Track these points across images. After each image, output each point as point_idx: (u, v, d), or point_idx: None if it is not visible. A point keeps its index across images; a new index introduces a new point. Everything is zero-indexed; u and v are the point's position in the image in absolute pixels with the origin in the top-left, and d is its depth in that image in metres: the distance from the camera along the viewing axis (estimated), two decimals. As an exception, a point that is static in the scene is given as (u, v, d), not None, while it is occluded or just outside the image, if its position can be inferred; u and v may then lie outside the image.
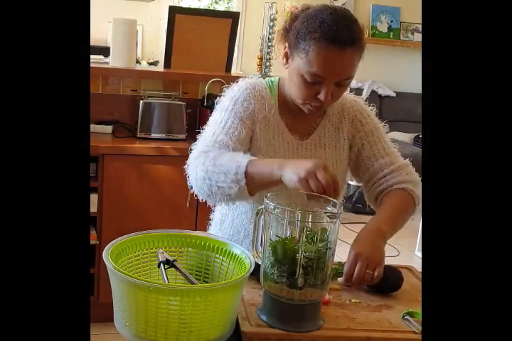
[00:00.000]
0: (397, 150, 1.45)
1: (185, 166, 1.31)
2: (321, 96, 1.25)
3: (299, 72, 1.25)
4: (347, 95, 1.46)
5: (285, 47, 1.30)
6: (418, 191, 1.36)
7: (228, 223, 1.46)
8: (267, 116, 1.37)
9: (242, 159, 1.19)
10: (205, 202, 1.40)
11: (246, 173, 1.16)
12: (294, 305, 1.01)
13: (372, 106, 1.48)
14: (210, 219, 1.57)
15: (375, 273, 1.13)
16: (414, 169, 1.42)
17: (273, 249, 1.00)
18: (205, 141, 1.31)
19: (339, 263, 1.28)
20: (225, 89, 1.41)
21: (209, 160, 1.23)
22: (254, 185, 1.18)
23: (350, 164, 1.45)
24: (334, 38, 1.19)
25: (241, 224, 1.43)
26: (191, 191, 1.30)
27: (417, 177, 1.40)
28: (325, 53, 1.20)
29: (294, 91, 1.31)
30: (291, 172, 1.10)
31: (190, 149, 1.34)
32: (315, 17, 1.23)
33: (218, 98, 1.41)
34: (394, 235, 1.30)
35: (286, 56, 1.30)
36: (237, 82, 1.41)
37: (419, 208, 1.37)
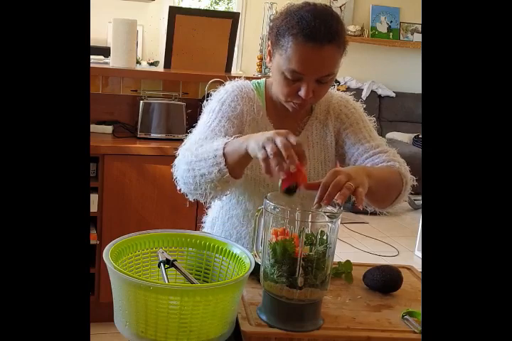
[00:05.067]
0: (384, 141, 1.42)
1: (172, 169, 1.29)
2: (302, 93, 1.25)
3: (280, 69, 1.25)
4: (334, 92, 1.46)
5: (268, 45, 1.31)
6: (403, 169, 1.32)
7: (219, 226, 1.45)
8: (256, 118, 1.37)
9: (219, 142, 1.18)
10: (205, 202, 1.39)
11: (224, 155, 1.15)
12: (293, 305, 1.01)
13: (361, 101, 1.48)
14: (203, 222, 1.56)
15: (359, 189, 1.04)
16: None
17: (273, 249, 1.00)
18: (191, 142, 1.30)
19: (339, 262, 1.28)
20: (212, 92, 1.41)
21: (190, 153, 1.22)
22: (232, 165, 1.15)
23: (338, 160, 1.45)
24: (312, 34, 1.19)
25: (232, 227, 1.42)
26: (181, 191, 1.28)
27: (401, 159, 1.36)
28: (303, 50, 1.20)
29: (276, 89, 1.32)
30: (254, 142, 1.06)
31: (176, 150, 1.31)
32: (294, 14, 1.23)
33: (205, 101, 1.41)
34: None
35: (270, 54, 1.31)
36: (224, 85, 1.41)
37: (408, 187, 1.32)
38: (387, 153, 1.36)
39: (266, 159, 1.02)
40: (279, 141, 1.01)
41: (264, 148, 1.03)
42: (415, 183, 1.34)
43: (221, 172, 1.15)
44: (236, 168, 1.16)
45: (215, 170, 1.15)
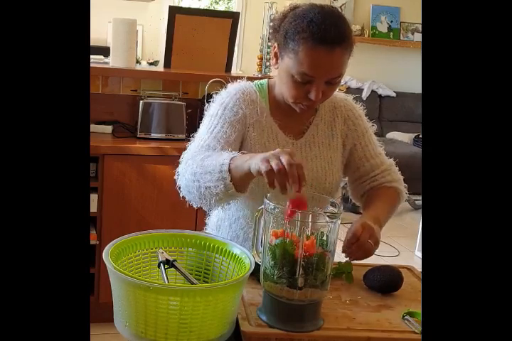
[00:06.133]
0: (382, 149, 1.51)
1: (175, 177, 1.31)
2: (312, 96, 1.25)
3: (289, 72, 1.25)
4: (336, 93, 1.46)
5: (274, 47, 1.31)
6: (402, 187, 1.48)
7: (225, 227, 1.45)
8: (259, 119, 1.37)
9: (225, 157, 1.18)
10: (209, 209, 1.40)
11: (230, 170, 1.15)
12: (294, 305, 1.01)
13: (362, 104, 1.51)
14: (206, 224, 1.56)
15: (374, 247, 1.21)
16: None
17: (272, 252, 1.00)
18: (194, 148, 1.31)
19: (339, 262, 1.28)
20: (214, 95, 1.42)
21: (196, 163, 1.23)
22: (238, 181, 1.16)
23: (342, 162, 1.47)
24: (322, 37, 1.19)
25: (239, 228, 1.42)
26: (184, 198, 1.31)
27: (400, 176, 1.50)
28: (314, 53, 1.21)
29: (284, 91, 1.32)
30: (258, 159, 1.07)
31: (176, 150, 1.35)
32: (303, 16, 1.23)
33: (207, 104, 1.41)
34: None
35: (276, 56, 1.31)
36: (226, 87, 1.41)
37: (403, 201, 1.50)
38: (389, 171, 1.47)
39: (269, 172, 1.03)
40: (284, 158, 1.03)
41: (268, 161, 1.04)
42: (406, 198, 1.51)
43: (226, 187, 1.17)
44: (241, 183, 1.17)
45: (221, 184, 1.16)
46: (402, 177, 1.49)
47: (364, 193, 1.47)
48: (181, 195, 1.30)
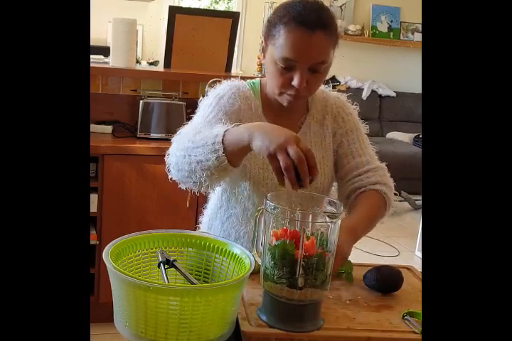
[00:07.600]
0: (374, 152, 1.45)
1: (165, 158, 1.26)
2: (295, 82, 1.25)
3: (273, 59, 1.26)
4: (330, 92, 1.47)
5: (262, 41, 1.33)
6: (389, 193, 1.37)
7: (217, 225, 1.44)
8: (252, 117, 1.37)
9: (219, 129, 1.14)
10: (205, 201, 1.39)
11: (223, 142, 1.10)
12: (294, 305, 1.01)
13: (356, 104, 1.49)
14: (199, 223, 1.55)
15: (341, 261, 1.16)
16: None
17: (272, 252, 1.00)
18: (186, 131, 1.26)
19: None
20: (207, 89, 1.42)
21: (188, 138, 1.18)
22: (231, 153, 1.11)
23: (334, 161, 1.45)
24: (302, 20, 1.21)
25: (231, 227, 1.41)
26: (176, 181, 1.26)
27: (390, 182, 1.40)
28: (294, 35, 1.22)
29: (270, 81, 1.32)
30: (260, 141, 1.04)
31: (172, 140, 1.28)
32: (285, 6, 1.26)
33: (201, 98, 1.40)
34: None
35: (264, 50, 1.32)
36: (220, 84, 1.41)
37: (390, 212, 1.38)
38: (376, 171, 1.38)
39: (278, 169, 1.02)
40: (292, 151, 0.99)
41: (275, 155, 1.01)
42: (397, 202, 1.40)
43: (219, 160, 1.11)
44: (234, 156, 1.12)
45: (213, 157, 1.11)
46: (391, 183, 1.40)
47: (349, 195, 1.39)
48: (170, 177, 1.25)
